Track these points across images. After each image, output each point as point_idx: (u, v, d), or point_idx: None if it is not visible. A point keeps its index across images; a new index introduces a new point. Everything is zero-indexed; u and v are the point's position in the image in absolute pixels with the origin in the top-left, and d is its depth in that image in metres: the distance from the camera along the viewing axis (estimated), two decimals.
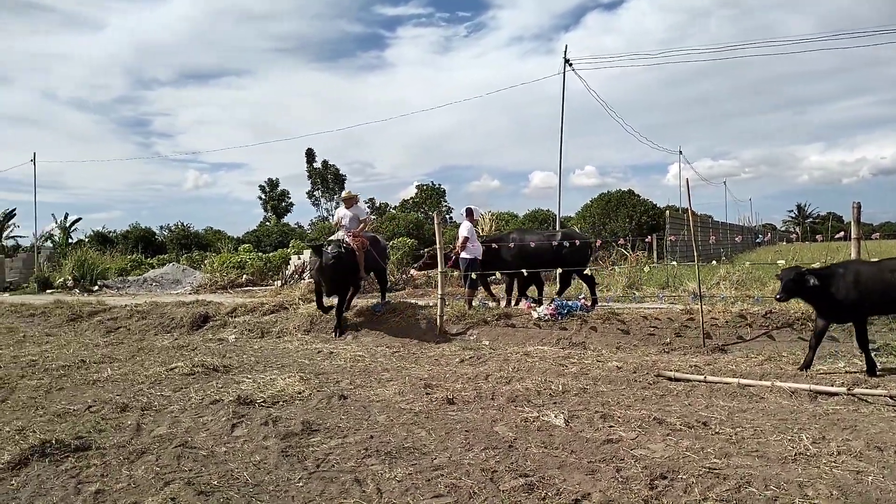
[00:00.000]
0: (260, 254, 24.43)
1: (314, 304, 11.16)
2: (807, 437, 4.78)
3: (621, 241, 15.77)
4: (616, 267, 15.18)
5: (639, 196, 24.62)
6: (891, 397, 5.77)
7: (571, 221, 25.59)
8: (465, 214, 11.29)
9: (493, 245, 10.79)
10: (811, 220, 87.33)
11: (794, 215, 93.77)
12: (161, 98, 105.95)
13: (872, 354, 7.08)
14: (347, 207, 11.37)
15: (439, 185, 52.42)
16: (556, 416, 5.53)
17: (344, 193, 11.79)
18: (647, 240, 16.14)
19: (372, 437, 5.15)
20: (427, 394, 6.46)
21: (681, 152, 33.30)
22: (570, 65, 12.71)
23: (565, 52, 12.83)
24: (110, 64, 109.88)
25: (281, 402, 6.23)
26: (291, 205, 61.78)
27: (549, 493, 3.94)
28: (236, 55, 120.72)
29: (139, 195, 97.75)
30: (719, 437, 4.91)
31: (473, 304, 10.97)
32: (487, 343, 9.39)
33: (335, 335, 10.34)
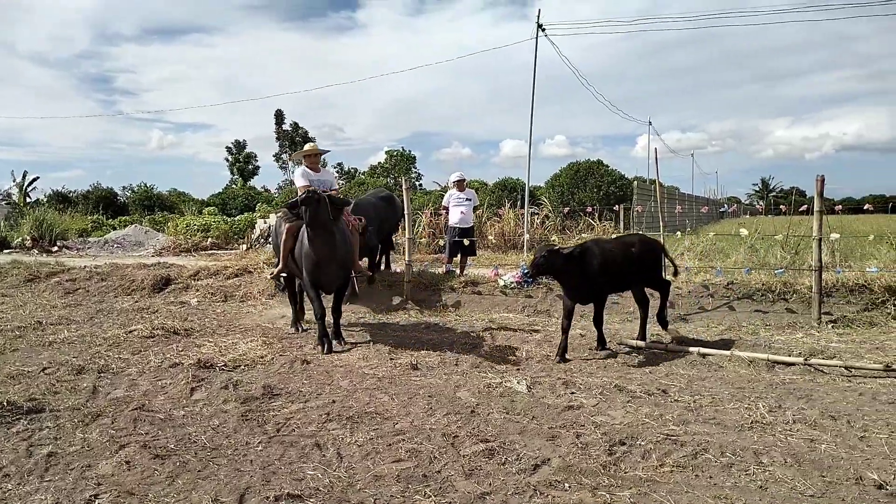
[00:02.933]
0: (225, 217, 24.07)
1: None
2: (763, 406, 4.86)
3: (588, 210, 15.80)
4: (583, 235, 15.26)
5: (607, 166, 24.64)
6: (846, 368, 5.90)
7: (540, 191, 25.60)
8: (454, 183, 11.18)
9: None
10: (774, 194, 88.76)
11: (757, 189, 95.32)
12: (125, 54, 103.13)
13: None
14: (312, 167, 8.00)
15: (409, 151, 51.98)
16: (518, 383, 5.55)
17: (307, 146, 8.25)
18: (615, 208, 16.26)
19: (334, 401, 5.12)
20: (391, 359, 6.43)
21: (650, 123, 33.42)
22: (544, 30, 12.52)
23: (538, 16, 12.62)
24: (73, 18, 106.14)
25: (242, 367, 6.15)
26: (258, 168, 60.94)
27: (510, 458, 3.95)
28: (205, 11, 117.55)
29: (101, 154, 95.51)
30: (678, 405, 4.98)
31: (440, 271, 10.94)
32: (453, 310, 9.38)
33: (321, 349, 6.93)
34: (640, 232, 13.07)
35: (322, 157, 8.61)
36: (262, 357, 6.48)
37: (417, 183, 48.14)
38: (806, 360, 6.13)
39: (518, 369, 6.10)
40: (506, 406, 4.96)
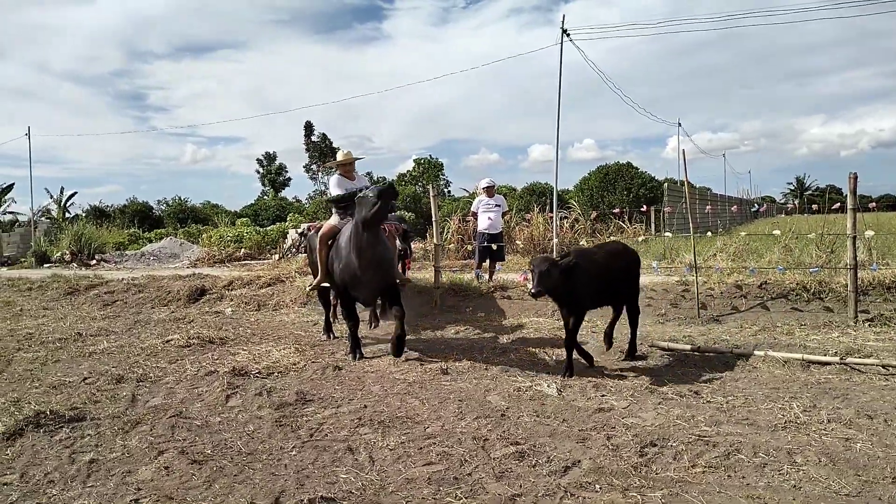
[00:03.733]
0: (257, 227, 24.41)
1: (310, 277, 10.98)
2: (797, 406, 4.80)
3: (616, 211, 15.72)
4: (620, 237, 15.15)
5: (637, 168, 24.49)
6: (883, 367, 5.80)
7: (569, 195, 25.51)
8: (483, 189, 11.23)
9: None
10: (810, 192, 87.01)
11: (792, 188, 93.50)
12: (156, 71, 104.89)
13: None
14: (346, 175, 7.66)
15: (437, 158, 52.21)
16: (548, 386, 5.56)
17: (340, 154, 7.89)
18: (643, 210, 16.13)
19: (366, 406, 5.18)
20: (421, 364, 6.48)
21: (679, 124, 33.01)
22: (568, 35, 12.50)
23: (563, 22, 12.62)
24: (104, 36, 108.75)
25: (276, 373, 6.25)
26: (289, 179, 61.80)
27: (540, 461, 3.97)
28: (232, 27, 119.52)
29: (136, 169, 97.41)
30: (710, 406, 4.94)
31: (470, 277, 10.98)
32: (483, 315, 9.40)
33: (353, 356, 6.91)
34: (668, 233, 12.93)
35: (355, 164, 8.09)
36: (294, 364, 6.58)
37: (446, 190, 48.33)
38: (842, 359, 6.03)
39: (548, 373, 6.09)
40: (536, 409, 4.97)
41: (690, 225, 9.20)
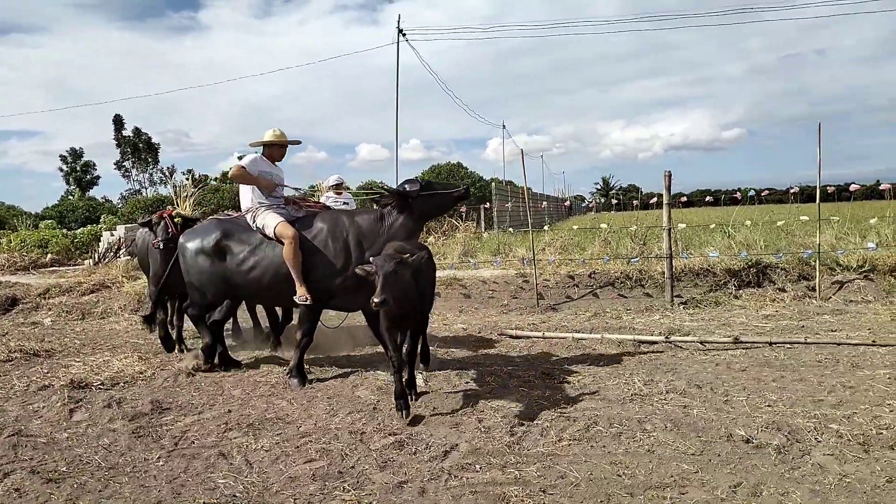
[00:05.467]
0: (65, 231, 22.25)
1: (140, 281, 10.24)
2: (638, 380, 5.34)
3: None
4: (457, 234, 15.67)
5: (467, 168, 25.48)
6: (701, 343, 6.59)
7: None
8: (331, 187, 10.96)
9: None
10: (614, 191, 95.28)
11: (599, 187, 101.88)
12: None
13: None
14: (271, 159, 6.35)
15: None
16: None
17: (270, 134, 6.28)
18: (483, 206, 16.81)
19: (230, 411, 5.01)
20: (280, 366, 6.35)
21: (504, 126, 34.84)
22: (404, 35, 12.78)
23: (398, 21, 12.87)
24: None
25: (122, 384, 5.83)
26: (98, 177, 56.81)
27: (420, 448, 4.09)
28: (26, 9, 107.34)
29: None
30: (565, 385, 5.35)
31: None
32: (334, 313, 9.33)
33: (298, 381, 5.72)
34: (510, 229, 13.60)
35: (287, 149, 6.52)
36: (141, 373, 6.16)
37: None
38: (667, 338, 6.77)
39: None
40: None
41: (529, 220, 9.79)
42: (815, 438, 3.98)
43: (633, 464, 3.72)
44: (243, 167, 5.98)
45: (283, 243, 5.66)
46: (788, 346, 6.37)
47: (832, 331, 7.07)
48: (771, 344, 6.38)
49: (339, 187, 11.02)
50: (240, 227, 6.07)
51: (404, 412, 4.63)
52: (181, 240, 6.20)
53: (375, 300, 4.29)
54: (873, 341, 6.31)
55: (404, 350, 4.92)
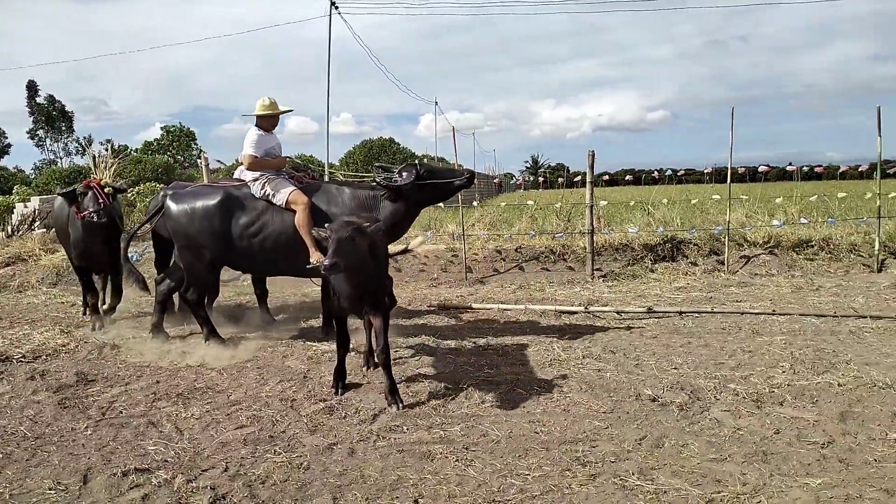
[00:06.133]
0: None
1: (58, 254, 9.93)
2: (557, 347, 5.65)
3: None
4: None
5: (399, 144, 25.60)
6: (617, 312, 6.98)
7: (335, 168, 25.76)
8: None
9: None
10: (542, 169, 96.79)
11: (528, 165, 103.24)
12: None
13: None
14: (267, 131, 6.25)
15: (188, 127, 48.96)
16: None
17: (261, 103, 6.13)
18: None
19: (158, 382, 5.05)
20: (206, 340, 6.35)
21: (436, 103, 34.85)
22: (337, 8, 12.69)
23: None
24: None
25: (44, 356, 5.75)
26: (9, 146, 53.97)
27: (349, 413, 4.26)
28: None
29: None
30: (489, 352, 5.60)
31: None
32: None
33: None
34: (440, 205, 13.76)
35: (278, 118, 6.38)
36: (64, 346, 6.07)
37: (199, 161, 45.68)
38: (586, 308, 7.13)
39: None
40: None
41: (459, 197, 9.97)
42: (715, 397, 4.36)
43: (550, 422, 4.00)
44: (255, 156, 6.04)
45: (293, 211, 5.78)
46: (696, 315, 6.82)
47: (737, 301, 7.59)
48: (681, 313, 6.83)
49: None
50: (241, 191, 6.03)
51: (340, 391, 4.66)
52: (172, 203, 5.95)
53: (326, 263, 4.04)
54: (773, 311, 6.83)
55: (378, 348, 4.59)
